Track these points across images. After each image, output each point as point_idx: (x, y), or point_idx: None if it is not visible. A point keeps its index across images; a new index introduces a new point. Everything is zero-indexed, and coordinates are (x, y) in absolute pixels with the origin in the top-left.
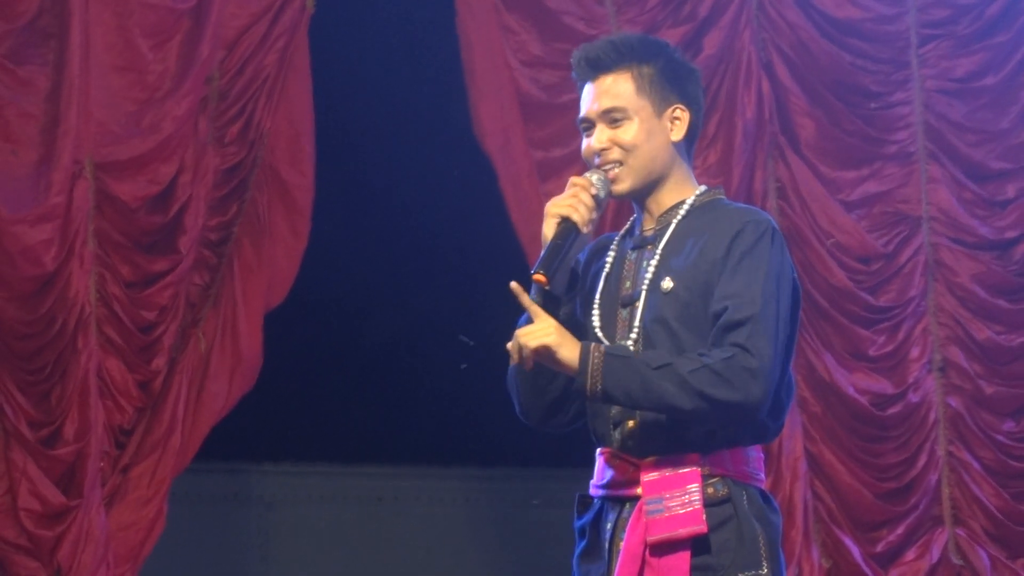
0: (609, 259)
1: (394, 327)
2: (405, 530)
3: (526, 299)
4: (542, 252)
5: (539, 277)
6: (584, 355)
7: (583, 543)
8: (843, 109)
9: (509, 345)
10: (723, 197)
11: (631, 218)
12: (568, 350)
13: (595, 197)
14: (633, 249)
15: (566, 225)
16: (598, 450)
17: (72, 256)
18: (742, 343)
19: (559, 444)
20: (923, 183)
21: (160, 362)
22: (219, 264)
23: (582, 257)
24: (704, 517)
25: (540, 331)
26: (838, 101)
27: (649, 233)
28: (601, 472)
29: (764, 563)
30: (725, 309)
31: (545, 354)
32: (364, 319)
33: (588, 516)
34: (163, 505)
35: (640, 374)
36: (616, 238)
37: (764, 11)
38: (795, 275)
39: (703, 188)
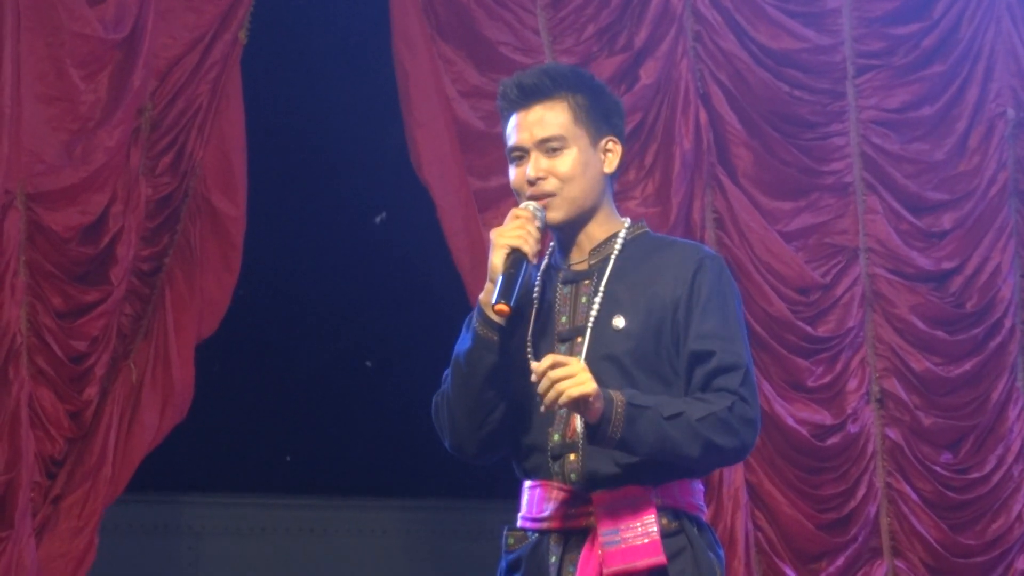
0: (535, 293)
1: (326, 358)
2: (336, 562)
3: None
4: (499, 283)
5: (503, 307)
6: (608, 404)
7: (520, 574)
8: (780, 139)
9: (540, 388)
10: (648, 230)
11: (547, 251)
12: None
13: (539, 228)
14: (565, 283)
15: (517, 255)
16: (528, 483)
17: (3, 286)
18: (736, 390)
19: (490, 476)
20: (860, 214)
21: (92, 392)
22: (151, 295)
23: None
24: (661, 549)
25: (581, 378)
26: (775, 131)
27: (582, 267)
28: (539, 504)
29: None
30: (709, 352)
31: (582, 403)
32: (296, 350)
33: (523, 550)
34: (94, 536)
35: (655, 424)
36: (536, 271)
37: (701, 41)
38: None
39: (629, 221)
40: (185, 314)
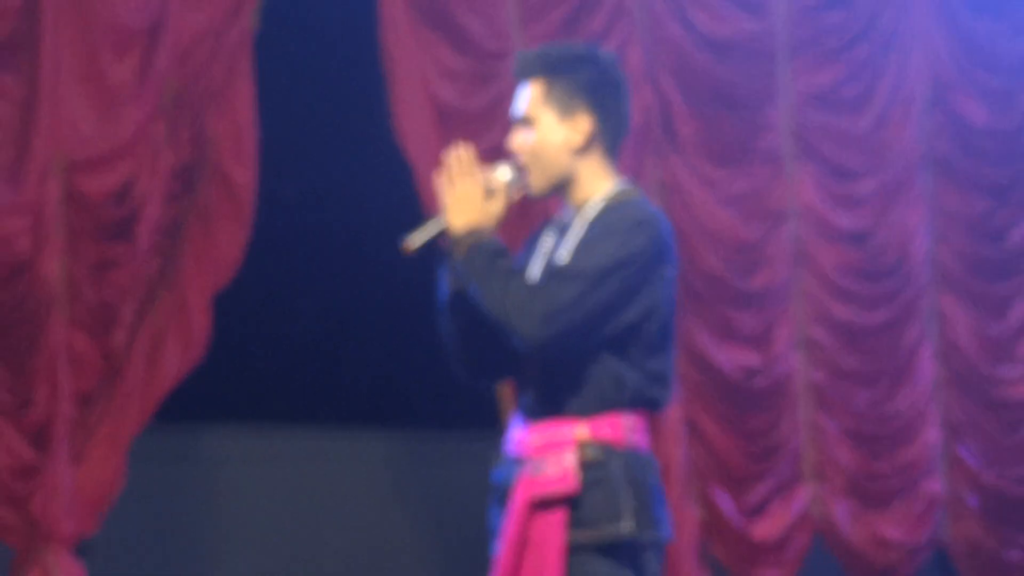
0: (544, 242)
1: (326, 302)
2: (330, 490)
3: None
4: (425, 228)
5: (407, 245)
6: (469, 230)
7: (495, 494)
8: (719, 115)
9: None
10: (637, 197)
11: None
12: (463, 217)
13: (490, 189)
14: (558, 236)
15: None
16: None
17: (45, 243)
18: (551, 288)
19: (478, 406)
20: (790, 181)
21: (120, 336)
22: (172, 250)
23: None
24: (576, 478)
25: (472, 200)
26: (715, 108)
27: (569, 224)
28: (510, 431)
29: (627, 518)
30: (560, 268)
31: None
32: (299, 297)
33: (499, 470)
34: (122, 463)
35: (489, 267)
36: (554, 222)
37: (650, 29)
38: (668, 267)
39: (618, 187)
40: (202, 267)
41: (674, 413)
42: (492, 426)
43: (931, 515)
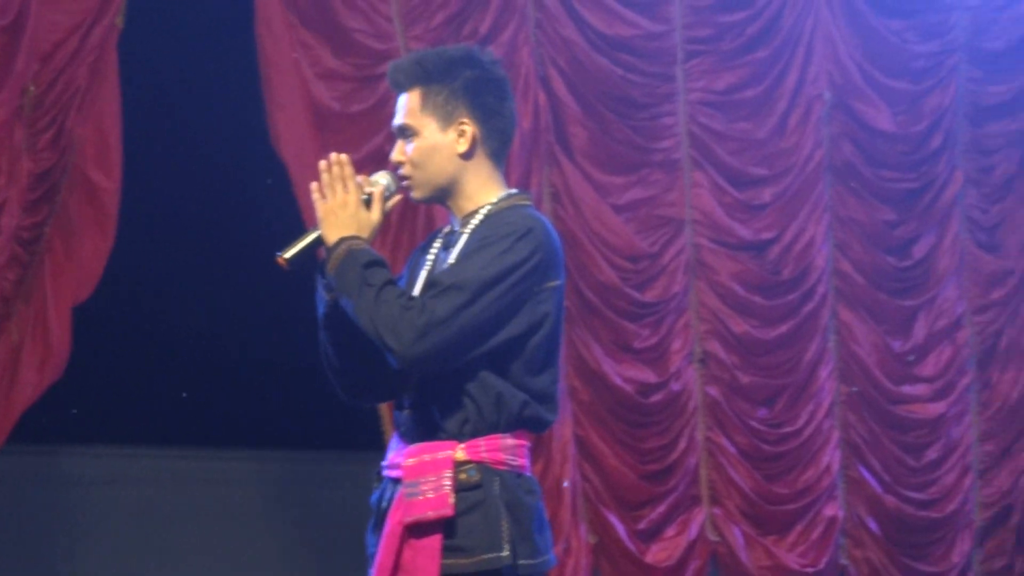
0: (429, 254)
1: (195, 317)
2: (209, 511)
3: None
4: (301, 243)
5: (280, 260)
6: (342, 240)
7: (373, 517)
8: (614, 119)
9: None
10: (525, 203)
11: None
12: (336, 229)
13: (367, 199)
14: (442, 247)
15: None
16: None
17: None
18: (425, 301)
19: (351, 427)
20: (687, 188)
21: None
22: (31, 261)
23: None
24: (452, 501)
25: (346, 210)
26: (609, 112)
27: (454, 233)
28: (388, 451)
29: (505, 545)
30: (438, 282)
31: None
32: (166, 311)
33: (376, 492)
34: None
35: (362, 278)
36: (440, 233)
37: (542, 28)
38: (554, 279)
39: (505, 194)
40: (63, 280)
41: (564, 432)
42: (372, 447)
43: (830, 539)
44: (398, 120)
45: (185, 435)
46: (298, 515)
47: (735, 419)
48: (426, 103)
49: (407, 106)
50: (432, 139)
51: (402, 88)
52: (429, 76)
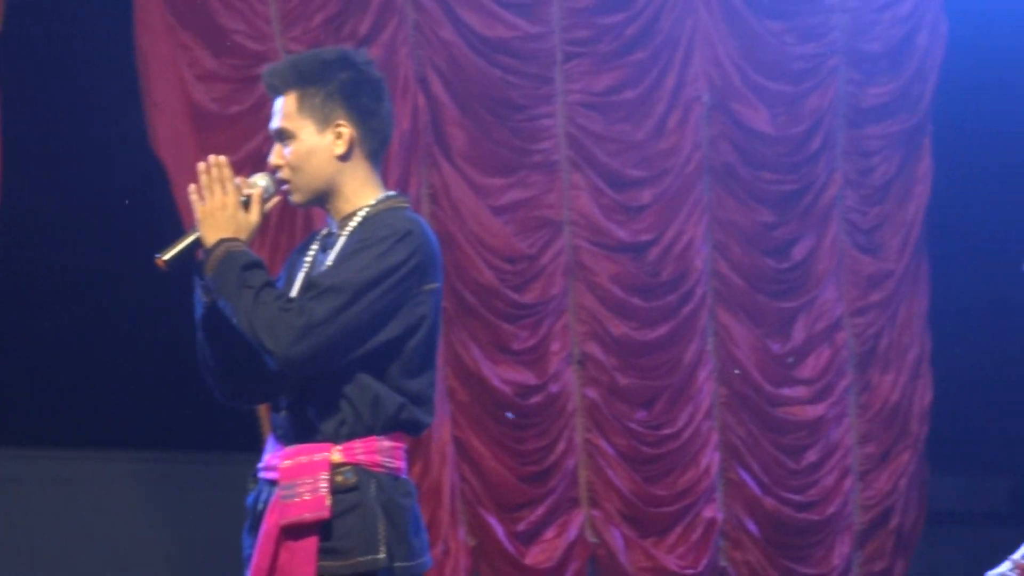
0: (307, 256)
1: (74, 318)
2: (84, 511)
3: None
4: (181, 245)
5: (159, 262)
6: (220, 242)
7: (249, 519)
8: (493, 121)
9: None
10: (403, 206)
11: None
12: (215, 230)
13: (245, 201)
14: (321, 249)
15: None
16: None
17: None
18: (303, 303)
19: (228, 428)
20: (565, 189)
21: None
22: None
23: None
24: (328, 504)
25: (225, 212)
26: (488, 113)
27: (333, 236)
28: (265, 454)
29: (381, 548)
30: (316, 283)
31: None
32: (45, 312)
33: (252, 494)
34: None
35: (240, 280)
36: (318, 235)
37: (420, 30)
38: (432, 281)
39: (383, 196)
40: None
41: (443, 434)
42: (249, 448)
43: (709, 541)
44: (275, 124)
45: (62, 435)
46: (174, 516)
47: (614, 421)
48: (302, 106)
49: (283, 110)
50: (309, 142)
51: (278, 92)
52: (304, 79)
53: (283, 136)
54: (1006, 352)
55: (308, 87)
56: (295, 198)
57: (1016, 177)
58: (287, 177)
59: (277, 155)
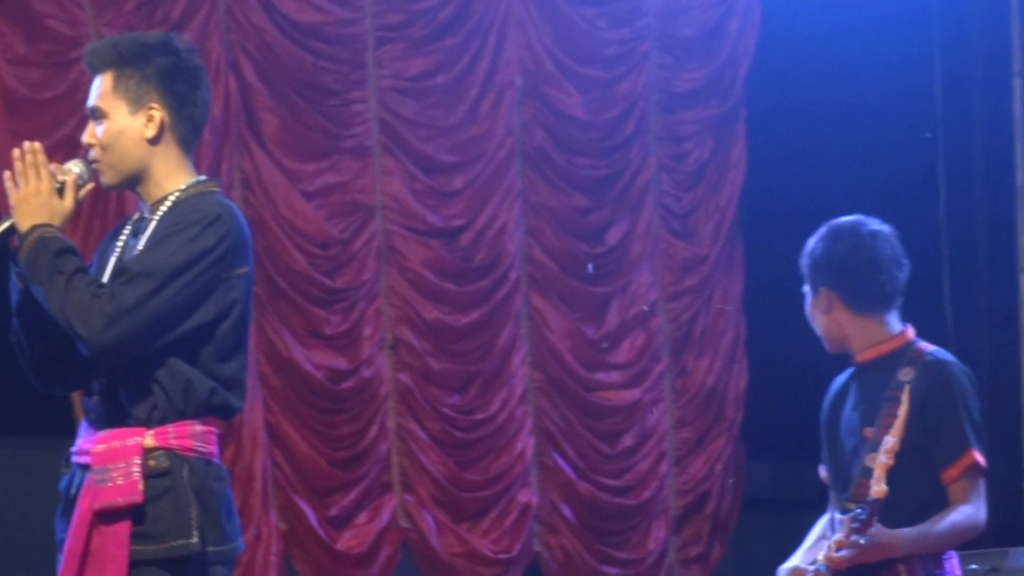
0: (119, 241)
1: None
2: None
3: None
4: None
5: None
6: (34, 228)
7: (62, 504)
8: (304, 106)
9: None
10: (214, 190)
11: None
12: (29, 217)
13: (59, 187)
14: (132, 234)
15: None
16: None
17: None
18: (115, 289)
19: (41, 412)
20: (377, 175)
21: None
22: None
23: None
24: (141, 488)
25: (39, 198)
26: (300, 99)
27: (144, 220)
28: (78, 437)
29: (194, 532)
30: (126, 269)
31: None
32: None
33: (65, 479)
34: None
35: (53, 266)
36: (130, 220)
37: (232, 15)
38: (243, 265)
39: (194, 181)
40: None
41: (255, 418)
42: (63, 432)
43: (524, 526)
44: (90, 102)
45: None
46: None
47: (427, 406)
48: (118, 86)
49: (100, 89)
50: (120, 122)
51: (97, 71)
52: (123, 60)
53: (96, 115)
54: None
55: (125, 68)
56: (105, 179)
57: (828, 162)
58: (97, 156)
59: (89, 134)
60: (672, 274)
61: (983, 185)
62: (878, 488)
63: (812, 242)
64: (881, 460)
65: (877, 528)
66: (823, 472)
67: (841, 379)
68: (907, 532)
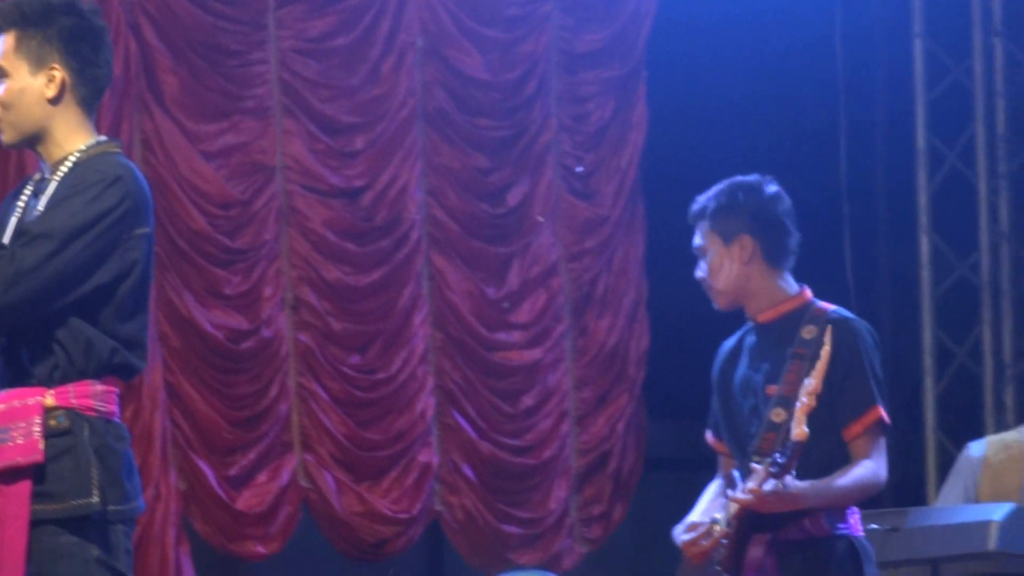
0: (20, 201)
1: None
2: None
3: None
4: None
5: None
6: None
7: None
8: (205, 67)
9: None
10: (114, 151)
11: None
12: None
13: None
14: (34, 196)
15: None
16: None
17: None
18: (15, 250)
19: None
20: (279, 135)
21: None
22: None
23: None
24: (41, 447)
25: None
26: (201, 60)
27: (44, 182)
28: None
29: (94, 491)
30: (27, 231)
31: None
32: None
33: None
34: None
35: None
36: (31, 180)
37: None
38: (143, 226)
39: (94, 141)
40: None
41: (155, 379)
42: None
43: (424, 486)
44: None
45: None
46: None
47: (327, 366)
48: (20, 46)
49: (2, 48)
50: (22, 82)
51: (0, 30)
52: (26, 20)
53: None
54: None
55: (28, 28)
56: (5, 137)
57: (729, 123)
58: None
59: None
60: (573, 234)
61: (884, 145)
62: (799, 431)
63: (725, 190)
64: (803, 403)
65: (790, 478)
66: (710, 437)
67: (731, 342)
68: (815, 484)
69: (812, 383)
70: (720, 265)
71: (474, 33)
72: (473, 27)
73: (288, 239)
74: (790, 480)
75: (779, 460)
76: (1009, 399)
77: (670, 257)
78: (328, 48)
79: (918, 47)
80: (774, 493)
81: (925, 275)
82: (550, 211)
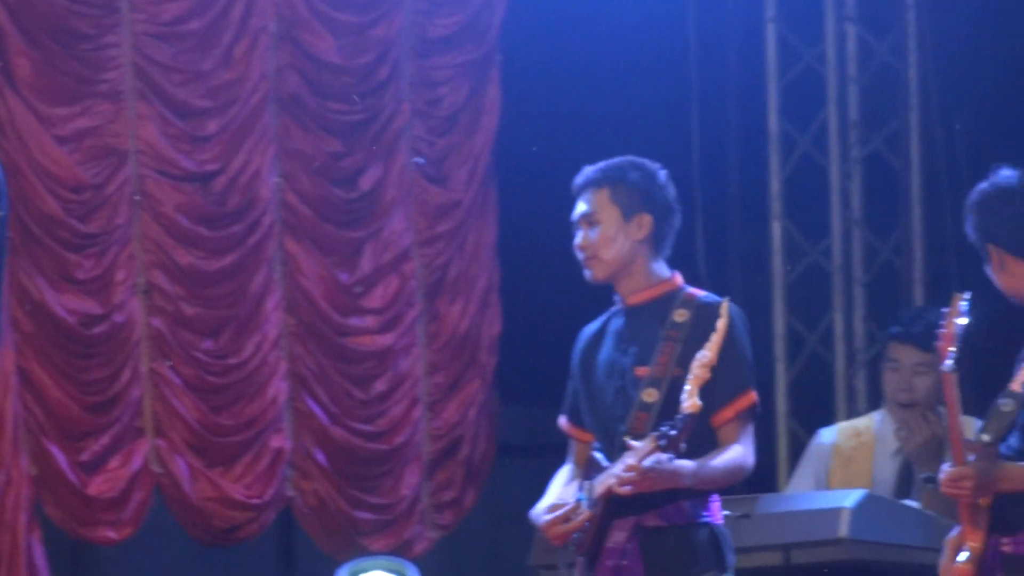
0: None
1: None
2: None
3: None
4: None
5: None
6: None
7: None
8: (58, 50)
9: None
10: None
11: None
12: None
13: None
14: None
15: None
16: None
17: None
18: None
19: None
20: (131, 119)
21: None
22: None
23: None
24: None
25: None
26: (54, 43)
27: None
28: None
29: None
30: None
31: None
32: None
33: None
34: None
35: None
36: None
37: None
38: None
39: None
40: None
41: (7, 363)
42: None
43: (276, 471)
44: None
45: None
46: None
47: (180, 350)
48: None
49: None
50: None
51: None
52: None
53: None
54: (573, 284)
55: None
56: None
57: (582, 107)
58: None
59: None
60: (426, 219)
61: (736, 130)
62: (692, 403)
63: (628, 167)
64: (696, 375)
65: (667, 456)
66: (564, 422)
67: (594, 326)
68: (690, 464)
69: (708, 355)
70: (614, 237)
71: (327, 17)
72: (326, 11)
73: (140, 223)
74: (668, 457)
75: (670, 433)
76: (860, 385)
77: (522, 242)
78: (181, 32)
79: (770, 32)
80: (654, 469)
81: (777, 261)
82: (403, 196)
